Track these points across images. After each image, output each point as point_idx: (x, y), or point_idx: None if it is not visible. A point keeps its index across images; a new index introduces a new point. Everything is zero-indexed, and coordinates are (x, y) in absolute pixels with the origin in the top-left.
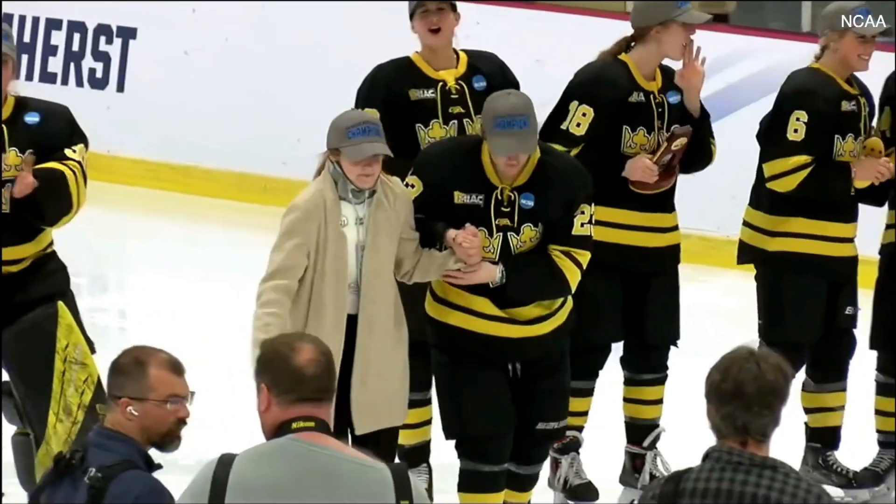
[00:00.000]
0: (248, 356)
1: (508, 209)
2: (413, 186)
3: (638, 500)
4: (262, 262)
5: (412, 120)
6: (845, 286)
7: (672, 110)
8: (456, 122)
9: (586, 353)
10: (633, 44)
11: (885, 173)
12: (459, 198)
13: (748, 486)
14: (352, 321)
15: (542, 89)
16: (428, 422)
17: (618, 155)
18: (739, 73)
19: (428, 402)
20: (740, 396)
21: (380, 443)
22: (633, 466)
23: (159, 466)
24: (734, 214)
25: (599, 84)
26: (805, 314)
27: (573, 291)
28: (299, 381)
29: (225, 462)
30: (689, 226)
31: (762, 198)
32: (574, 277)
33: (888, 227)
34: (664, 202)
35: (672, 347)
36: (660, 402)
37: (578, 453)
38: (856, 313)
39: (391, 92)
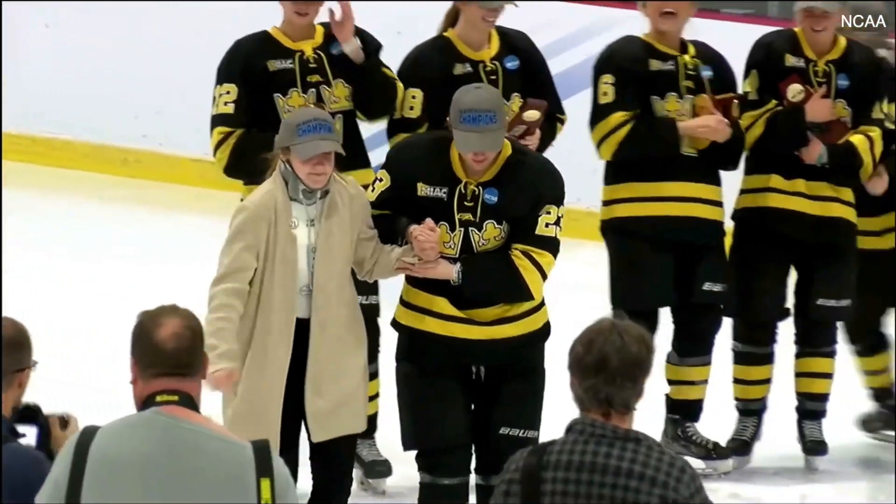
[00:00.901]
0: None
1: (472, 204)
2: (381, 180)
3: (501, 472)
4: (121, 235)
5: (271, 90)
6: (705, 259)
7: (509, 76)
8: (314, 90)
9: None
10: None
11: (715, 128)
12: (423, 190)
13: (611, 459)
14: (304, 325)
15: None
16: None
17: None
18: (600, 45)
19: None
20: (604, 369)
21: (338, 449)
22: None
23: (23, 435)
24: (595, 187)
25: (418, 64)
26: (643, 279)
27: (535, 297)
28: (160, 356)
29: (87, 433)
30: None
31: (605, 171)
32: (533, 280)
33: (742, 192)
34: None
35: None
36: None
37: None
38: (720, 289)
39: (249, 64)
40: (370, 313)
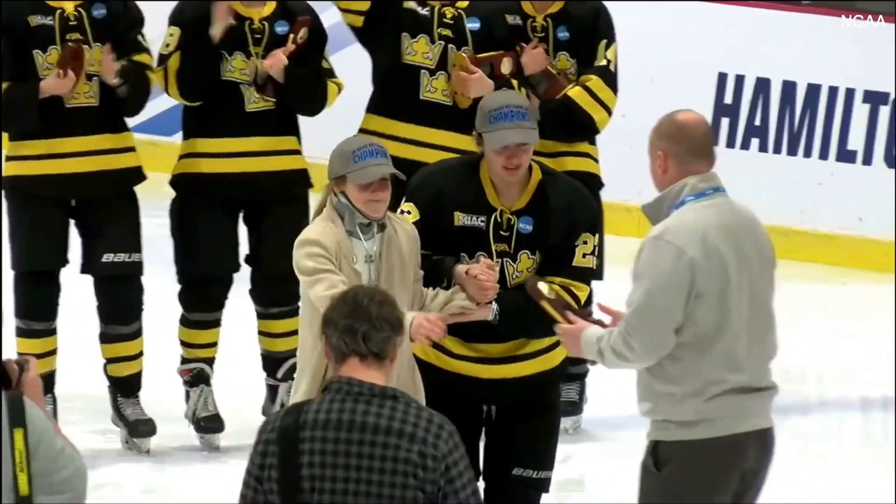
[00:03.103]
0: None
1: (507, 233)
2: (409, 213)
3: (258, 430)
4: None
5: (31, 46)
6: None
7: (277, 39)
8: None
9: (206, 284)
10: None
11: (466, 82)
12: (460, 219)
13: (370, 417)
14: None
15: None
16: (53, 352)
17: (221, 82)
18: None
19: (53, 332)
20: (360, 309)
21: None
22: (271, 398)
23: None
24: None
25: (187, 8)
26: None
27: None
28: None
29: None
30: (310, 154)
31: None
32: None
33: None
34: (278, 123)
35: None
36: (293, 333)
37: (209, 385)
38: None
39: (11, 19)
40: (133, 270)
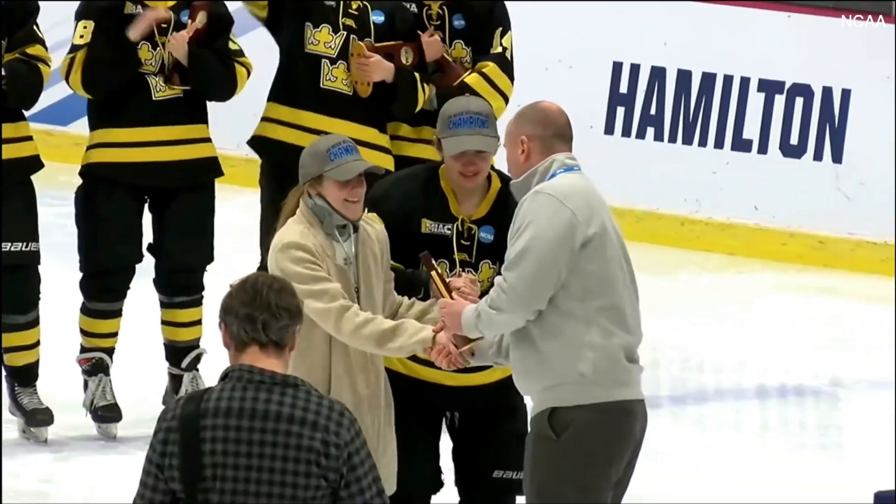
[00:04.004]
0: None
1: (468, 243)
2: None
3: (157, 418)
4: None
5: None
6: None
7: (182, 28)
8: None
9: (108, 274)
10: None
11: (363, 70)
12: (427, 226)
13: (271, 405)
14: None
15: None
16: None
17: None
18: None
19: None
20: (259, 298)
21: None
22: (174, 387)
23: None
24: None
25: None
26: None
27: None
28: None
29: None
30: (218, 145)
31: None
32: None
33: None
34: (186, 112)
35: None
36: (197, 323)
37: (108, 374)
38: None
39: None
40: (30, 260)
